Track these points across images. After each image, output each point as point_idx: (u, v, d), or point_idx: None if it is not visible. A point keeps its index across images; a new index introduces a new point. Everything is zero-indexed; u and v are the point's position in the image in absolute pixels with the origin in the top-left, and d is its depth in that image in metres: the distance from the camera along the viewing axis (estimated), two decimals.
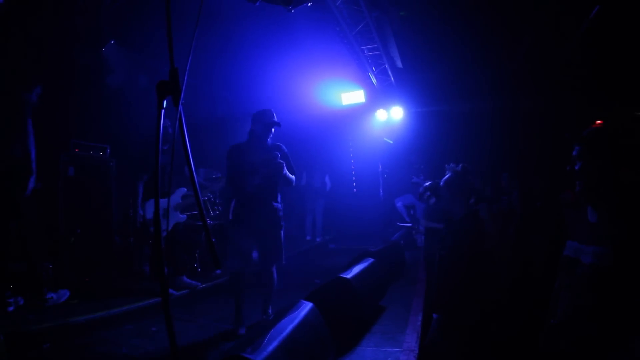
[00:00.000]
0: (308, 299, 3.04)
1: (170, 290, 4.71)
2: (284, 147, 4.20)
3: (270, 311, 4.18)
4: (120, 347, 3.49)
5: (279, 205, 4.14)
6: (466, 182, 3.04)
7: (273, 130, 4.17)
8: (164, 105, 1.52)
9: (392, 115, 10.57)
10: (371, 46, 8.07)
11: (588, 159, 2.02)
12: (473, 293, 2.78)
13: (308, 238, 9.78)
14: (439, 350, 2.86)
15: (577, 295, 1.99)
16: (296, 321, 2.58)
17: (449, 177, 3.08)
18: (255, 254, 4.10)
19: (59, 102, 5.10)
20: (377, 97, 10.40)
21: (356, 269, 4.18)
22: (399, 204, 10.12)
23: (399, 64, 9.58)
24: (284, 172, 3.95)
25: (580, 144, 2.08)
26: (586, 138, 2.07)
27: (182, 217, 5.05)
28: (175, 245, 5.03)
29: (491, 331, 2.85)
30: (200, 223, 5.85)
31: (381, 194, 11.62)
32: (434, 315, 2.97)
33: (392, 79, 9.71)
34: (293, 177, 4.15)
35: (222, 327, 4.28)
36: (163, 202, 4.70)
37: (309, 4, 3.73)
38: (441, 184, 3.11)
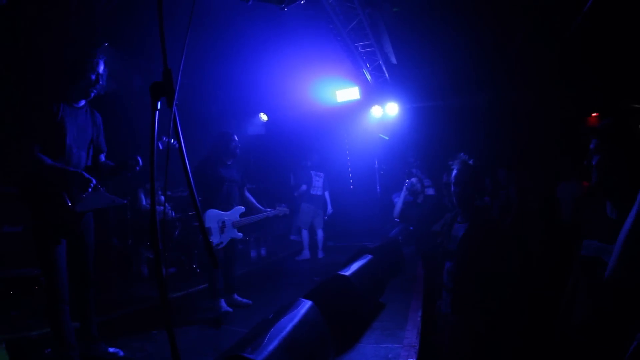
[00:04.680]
0: (307, 297, 3.03)
1: (224, 308, 4.64)
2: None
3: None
4: (121, 349, 3.48)
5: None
6: (479, 177, 3.00)
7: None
8: (159, 107, 1.52)
9: (387, 112, 10.55)
10: (365, 43, 8.05)
11: (606, 152, 1.91)
12: (491, 291, 2.74)
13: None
14: (459, 349, 2.82)
15: (598, 297, 1.88)
16: (296, 320, 2.58)
17: (460, 172, 3.02)
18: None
19: None
20: (372, 94, 10.38)
21: (355, 266, 4.18)
22: (396, 200, 10.12)
23: (393, 60, 9.55)
24: None
25: (597, 137, 1.97)
26: (603, 130, 1.96)
27: (239, 234, 4.95)
28: (229, 263, 5.04)
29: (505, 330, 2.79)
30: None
31: (378, 190, 11.62)
32: (449, 315, 2.92)
33: (387, 75, 9.69)
34: None
35: (222, 328, 4.28)
36: (224, 214, 4.80)
37: (302, 2, 3.73)
38: (452, 179, 3.05)
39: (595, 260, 1.92)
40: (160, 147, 3.98)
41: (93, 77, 3.31)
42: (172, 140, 3.72)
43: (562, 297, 2.17)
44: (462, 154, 3.09)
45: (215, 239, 4.67)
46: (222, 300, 4.67)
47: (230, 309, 4.59)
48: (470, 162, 3.03)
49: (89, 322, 3.41)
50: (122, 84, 6.77)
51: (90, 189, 3.14)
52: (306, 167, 8.47)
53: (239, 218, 4.97)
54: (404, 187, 6.61)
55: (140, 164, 3.52)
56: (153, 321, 4.22)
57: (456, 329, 2.87)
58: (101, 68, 3.38)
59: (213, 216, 4.71)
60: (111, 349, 3.45)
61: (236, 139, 5.10)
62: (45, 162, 3.02)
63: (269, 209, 5.39)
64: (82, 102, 3.39)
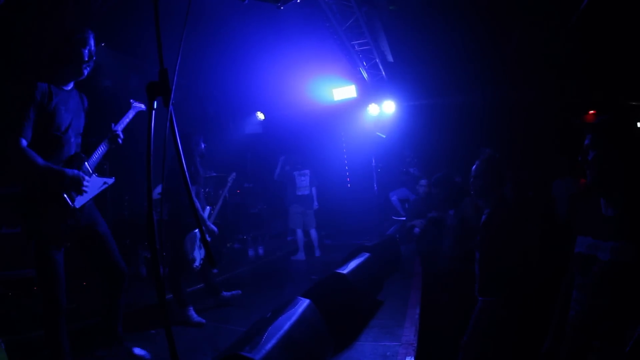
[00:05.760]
0: (305, 296, 3.04)
1: (196, 318, 4.42)
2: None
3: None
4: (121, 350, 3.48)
5: None
6: (495, 170, 3.03)
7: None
8: (155, 106, 1.51)
9: (384, 110, 10.53)
10: (361, 41, 8.05)
11: (602, 148, 1.88)
12: (510, 271, 2.79)
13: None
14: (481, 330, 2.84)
15: (593, 294, 1.87)
16: (294, 318, 2.58)
17: (477, 166, 3.06)
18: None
19: None
20: (369, 92, 10.36)
21: (352, 264, 4.19)
22: (393, 198, 10.15)
23: (390, 58, 9.56)
24: None
25: (593, 133, 1.93)
26: (600, 126, 1.92)
27: (208, 238, 4.80)
28: (205, 268, 4.92)
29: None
30: None
31: (375, 188, 11.64)
32: (481, 298, 2.94)
33: (383, 73, 9.69)
34: None
35: (221, 327, 4.28)
36: (195, 231, 4.61)
37: (298, 1, 3.72)
38: (472, 173, 3.10)
39: (589, 257, 1.91)
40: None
41: (86, 52, 2.98)
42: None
43: (557, 294, 2.17)
44: (484, 149, 3.15)
45: (197, 258, 4.58)
46: (191, 308, 4.44)
47: (204, 320, 4.35)
48: (497, 156, 3.09)
49: (115, 319, 3.21)
50: (118, 83, 6.77)
51: (84, 187, 2.93)
52: (287, 171, 8.51)
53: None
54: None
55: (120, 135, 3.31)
56: (152, 321, 4.21)
57: (480, 310, 2.90)
58: (92, 43, 3.04)
59: (192, 239, 4.56)
60: (137, 350, 3.28)
61: (202, 139, 4.91)
62: (37, 162, 2.74)
63: (220, 191, 5.32)
64: (71, 85, 3.10)
